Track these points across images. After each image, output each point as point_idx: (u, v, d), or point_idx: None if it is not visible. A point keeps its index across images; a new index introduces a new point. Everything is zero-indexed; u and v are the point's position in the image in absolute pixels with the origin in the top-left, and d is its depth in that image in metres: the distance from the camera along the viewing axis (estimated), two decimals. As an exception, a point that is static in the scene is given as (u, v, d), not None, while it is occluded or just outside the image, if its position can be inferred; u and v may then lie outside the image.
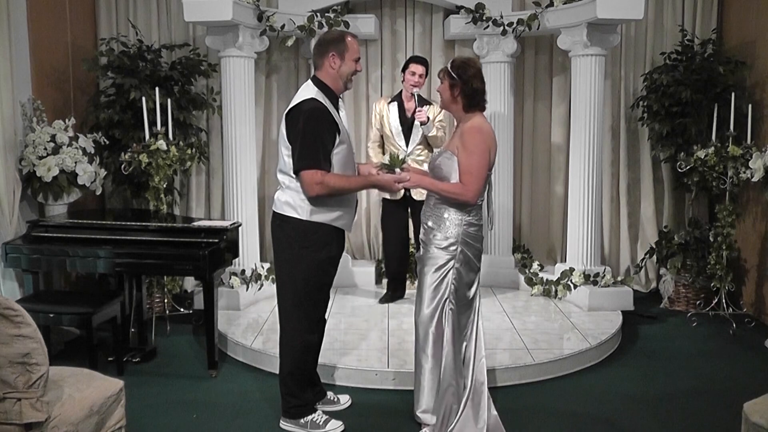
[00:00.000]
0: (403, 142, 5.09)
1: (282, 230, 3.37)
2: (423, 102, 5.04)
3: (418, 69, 5.02)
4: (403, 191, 5.00)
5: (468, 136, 3.22)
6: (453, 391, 3.28)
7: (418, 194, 4.97)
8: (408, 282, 5.54)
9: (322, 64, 3.35)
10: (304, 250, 3.31)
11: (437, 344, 3.30)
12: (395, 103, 5.15)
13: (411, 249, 5.45)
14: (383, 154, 5.18)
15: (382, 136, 5.23)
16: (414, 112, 4.91)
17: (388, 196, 5.12)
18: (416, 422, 3.47)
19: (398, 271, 5.41)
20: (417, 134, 5.05)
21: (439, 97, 3.44)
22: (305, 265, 3.33)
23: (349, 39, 3.36)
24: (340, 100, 3.43)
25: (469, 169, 3.20)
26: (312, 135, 3.21)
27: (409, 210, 5.21)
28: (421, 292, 3.33)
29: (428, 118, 4.90)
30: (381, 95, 6.01)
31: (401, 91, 5.18)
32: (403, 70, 5.11)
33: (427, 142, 5.10)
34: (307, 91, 3.31)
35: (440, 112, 5.05)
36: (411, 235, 5.40)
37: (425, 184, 3.30)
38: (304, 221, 3.30)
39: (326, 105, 3.27)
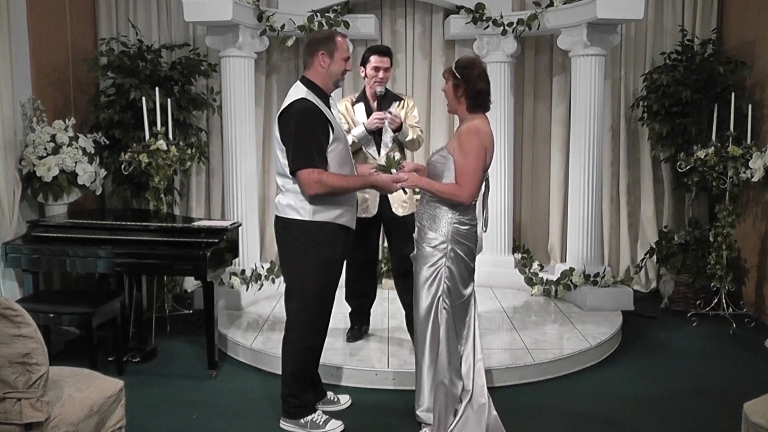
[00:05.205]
0: (373, 150, 4.24)
1: (287, 233, 3.37)
2: (394, 98, 4.36)
3: (382, 62, 4.21)
4: (377, 208, 4.24)
5: (465, 137, 3.23)
6: (445, 390, 3.29)
7: (400, 208, 4.23)
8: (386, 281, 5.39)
9: (312, 63, 3.36)
10: (311, 250, 3.32)
11: (434, 343, 3.31)
12: (361, 104, 4.33)
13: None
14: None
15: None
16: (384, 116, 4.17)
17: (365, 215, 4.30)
18: (416, 422, 3.47)
19: (361, 300, 4.56)
20: (388, 139, 4.23)
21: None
22: (313, 265, 3.33)
23: (339, 38, 3.38)
24: (330, 98, 3.44)
25: (464, 170, 3.21)
26: (305, 134, 3.22)
27: (382, 228, 4.43)
28: (416, 290, 3.35)
29: (401, 121, 4.18)
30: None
31: (364, 89, 4.36)
32: (363, 64, 4.29)
33: (401, 147, 4.36)
34: (297, 91, 3.32)
35: (412, 106, 4.37)
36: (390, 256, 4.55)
37: (422, 183, 3.31)
38: (308, 222, 3.30)
39: (317, 104, 3.28)
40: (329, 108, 3.37)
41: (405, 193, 3.96)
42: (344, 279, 4.29)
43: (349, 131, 4.20)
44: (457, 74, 3.27)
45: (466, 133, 3.25)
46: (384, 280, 5.74)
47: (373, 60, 4.22)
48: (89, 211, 5.17)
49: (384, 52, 4.27)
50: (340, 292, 3.81)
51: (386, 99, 4.30)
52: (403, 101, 4.36)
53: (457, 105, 3.33)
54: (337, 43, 3.35)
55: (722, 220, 5.12)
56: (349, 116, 4.34)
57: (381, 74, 4.22)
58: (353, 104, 4.37)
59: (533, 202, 6.28)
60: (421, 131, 4.41)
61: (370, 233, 4.39)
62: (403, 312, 4.43)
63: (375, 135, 4.24)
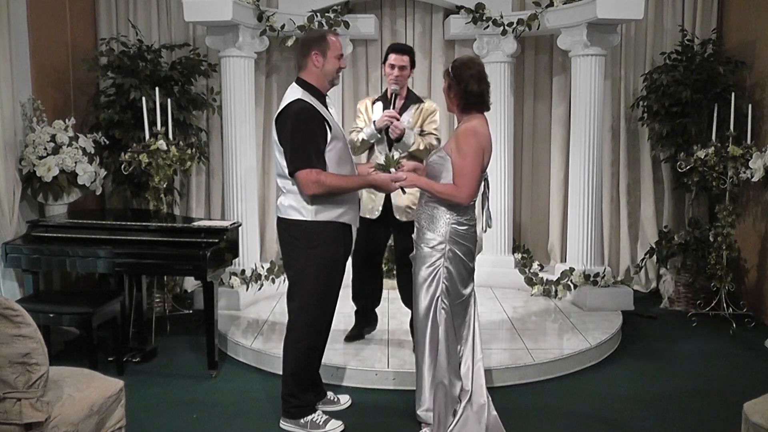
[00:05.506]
0: (385, 148, 4.17)
1: (290, 233, 3.38)
2: (415, 99, 4.29)
3: (399, 60, 4.14)
4: (381, 208, 4.19)
5: (463, 138, 3.23)
6: (445, 391, 3.29)
7: (404, 215, 4.16)
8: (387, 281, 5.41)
9: (306, 64, 3.37)
10: (313, 250, 3.32)
11: (433, 343, 3.31)
12: (380, 102, 4.31)
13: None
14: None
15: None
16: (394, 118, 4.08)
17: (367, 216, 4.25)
18: (416, 422, 3.47)
19: (363, 301, 4.53)
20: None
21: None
22: (315, 266, 3.34)
23: (331, 36, 3.39)
24: (327, 98, 3.44)
25: (462, 171, 3.21)
26: (302, 135, 3.23)
27: (390, 229, 4.34)
28: (415, 291, 3.35)
29: (403, 131, 4.06)
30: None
31: (386, 90, 4.32)
32: (384, 62, 4.26)
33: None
34: (293, 93, 3.33)
35: (432, 111, 4.26)
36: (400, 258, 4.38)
37: (421, 183, 3.31)
38: (310, 222, 3.31)
39: (314, 104, 3.28)
40: (326, 107, 3.37)
41: (404, 192, 3.67)
42: (350, 278, 4.30)
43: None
44: (450, 73, 3.28)
45: (463, 133, 3.24)
46: (384, 280, 5.73)
47: (391, 57, 4.17)
48: (89, 211, 5.17)
49: (402, 50, 4.21)
50: (344, 293, 3.79)
51: (407, 100, 4.25)
52: (422, 104, 4.26)
53: (452, 105, 3.33)
54: (329, 41, 3.36)
55: (722, 220, 5.12)
56: (367, 115, 4.32)
57: (396, 72, 4.14)
58: (373, 103, 4.35)
59: (533, 202, 6.28)
60: (437, 140, 4.22)
61: (377, 233, 4.32)
62: (403, 312, 4.46)
63: (388, 137, 4.16)
